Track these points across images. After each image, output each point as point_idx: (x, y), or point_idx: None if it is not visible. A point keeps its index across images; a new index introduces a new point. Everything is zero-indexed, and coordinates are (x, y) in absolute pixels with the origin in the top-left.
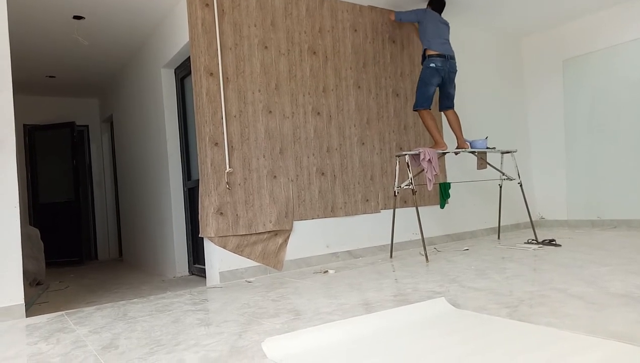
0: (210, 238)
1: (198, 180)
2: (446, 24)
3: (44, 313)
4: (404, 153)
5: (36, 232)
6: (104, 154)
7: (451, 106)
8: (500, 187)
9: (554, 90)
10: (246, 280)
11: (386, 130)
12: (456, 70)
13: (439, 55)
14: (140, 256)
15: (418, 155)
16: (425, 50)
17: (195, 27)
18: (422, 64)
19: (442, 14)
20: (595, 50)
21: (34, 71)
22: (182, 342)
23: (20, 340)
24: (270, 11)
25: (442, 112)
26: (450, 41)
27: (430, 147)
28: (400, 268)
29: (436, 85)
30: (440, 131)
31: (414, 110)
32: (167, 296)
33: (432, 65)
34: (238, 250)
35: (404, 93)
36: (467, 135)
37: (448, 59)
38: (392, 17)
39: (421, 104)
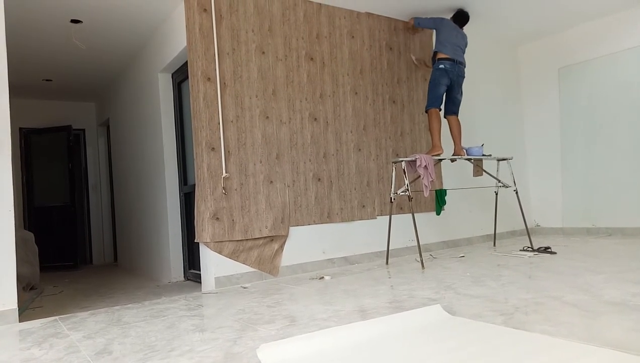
0: (206, 244)
1: (194, 185)
2: (462, 35)
3: (37, 318)
4: (400, 159)
5: (31, 236)
6: (100, 158)
7: (456, 112)
8: (496, 194)
9: (550, 98)
10: (242, 286)
11: (383, 136)
12: (464, 76)
13: (448, 59)
14: (135, 261)
15: (414, 161)
16: (435, 53)
17: (192, 32)
18: (432, 67)
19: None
20: (591, 58)
21: (30, 74)
22: (177, 348)
23: (13, 345)
24: (268, 17)
25: (445, 118)
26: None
27: (427, 152)
28: (396, 275)
29: (445, 86)
30: (440, 135)
31: (426, 111)
32: (162, 301)
33: (441, 66)
34: (234, 255)
35: (400, 100)
36: (464, 142)
37: (457, 64)
38: (412, 22)
39: (432, 103)
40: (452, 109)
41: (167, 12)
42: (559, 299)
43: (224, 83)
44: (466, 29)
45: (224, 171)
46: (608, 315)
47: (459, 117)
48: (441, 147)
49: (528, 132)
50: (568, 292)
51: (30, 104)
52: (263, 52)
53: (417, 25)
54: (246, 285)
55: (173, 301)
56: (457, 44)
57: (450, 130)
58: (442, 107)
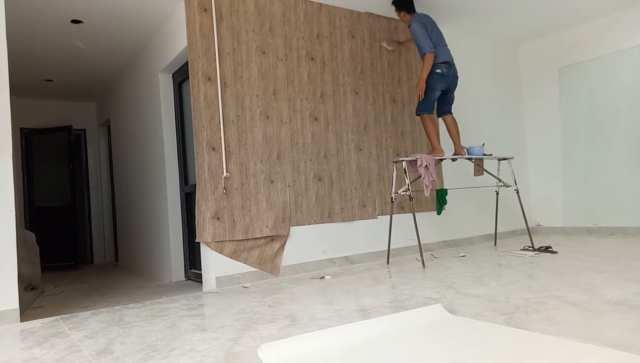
0: (207, 243)
1: (195, 185)
2: (431, 20)
3: (38, 318)
4: (401, 159)
5: (32, 235)
6: (100, 158)
7: (450, 111)
8: (497, 193)
9: (550, 98)
10: (242, 286)
11: (383, 136)
12: (458, 76)
13: (444, 62)
14: (136, 261)
15: (415, 161)
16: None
17: (193, 32)
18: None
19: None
20: (592, 58)
21: (31, 74)
22: (178, 348)
23: (14, 345)
24: (269, 17)
25: (440, 118)
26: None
27: (428, 153)
28: (396, 275)
29: (440, 91)
30: (439, 137)
31: (417, 115)
32: (163, 301)
33: (438, 71)
34: (234, 255)
35: (401, 99)
36: (464, 141)
37: (452, 65)
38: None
39: (425, 108)
40: (447, 108)
41: (167, 12)
42: (560, 299)
43: (225, 83)
44: (467, 28)
45: (224, 171)
46: (609, 314)
47: (453, 114)
48: (441, 149)
49: (529, 132)
50: (569, 292)
51: (31, 104)
52: (264, 52)
53: (431, 51)
54: (247, 285)
55: (174, 301)
56: (444, 43)
57: (448, 130)
58: (435, 108)
